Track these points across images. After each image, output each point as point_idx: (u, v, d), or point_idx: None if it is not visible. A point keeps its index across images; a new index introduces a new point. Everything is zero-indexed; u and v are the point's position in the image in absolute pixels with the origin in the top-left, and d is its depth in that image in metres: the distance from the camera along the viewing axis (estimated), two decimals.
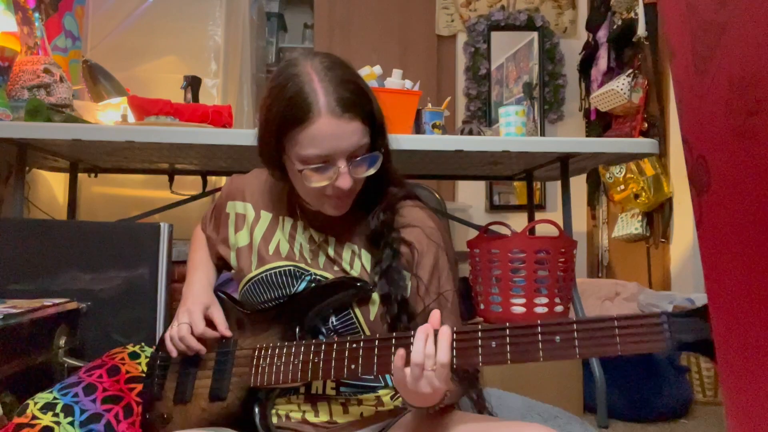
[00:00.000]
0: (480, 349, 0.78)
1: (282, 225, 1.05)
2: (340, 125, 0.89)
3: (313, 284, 0.99)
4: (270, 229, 1.05)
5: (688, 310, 0.71)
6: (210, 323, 1.03)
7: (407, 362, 0.80)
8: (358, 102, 0.91)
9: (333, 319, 0.97)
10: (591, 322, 0.75)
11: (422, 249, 0.99)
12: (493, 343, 0.78)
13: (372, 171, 0.95)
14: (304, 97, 0.88)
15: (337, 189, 0.92)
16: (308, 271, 1.00)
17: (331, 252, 1.01)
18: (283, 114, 0.90)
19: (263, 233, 1.04)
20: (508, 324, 0.79)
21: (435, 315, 0.83)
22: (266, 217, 1.06)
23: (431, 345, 0.79)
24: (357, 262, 1.00)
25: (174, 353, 1.02)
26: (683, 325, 0.71)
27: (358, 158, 0.92)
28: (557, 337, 0.75)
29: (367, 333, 0.97)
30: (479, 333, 0.79)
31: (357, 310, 0.96)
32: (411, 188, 1.08)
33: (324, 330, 0.98)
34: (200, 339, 1.01)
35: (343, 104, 0.89)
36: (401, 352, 0.80)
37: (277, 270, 1.00)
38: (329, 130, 0.88)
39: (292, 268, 1.00)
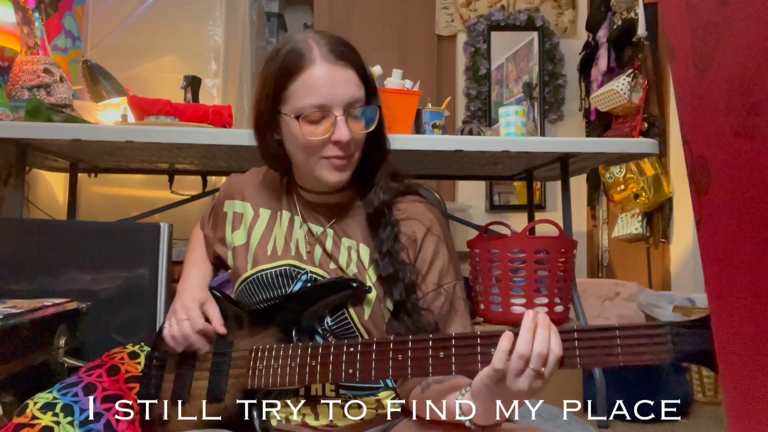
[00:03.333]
0: (479, 356, 0.77)
1: (280, 221, 1.04)
2: (335, 71, 0.91)
3: (309, 284, 0.98)
4: (269, 226, 1.04)
5: (691, 321, 0.70)
6: (205, 319, 1.03)
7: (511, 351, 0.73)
8: (351, 54, 0.94)
9: (328, 319, 0.97)
10: (592, 331, 0.73)
11: (421, 241, 0.99)
12: (493, 350, 0.76)
13: (371, 127, 0.95)
14: (297, 51, 0.92)
15: (337, 143, 0.92)
16: (304, 269, 0.99)
17: (328, 247, 1.00)
18: (278, 70, 0.92)
19: (262, 232, 1.04)
20: (507, 329, 0.77)
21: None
22: (265, 214, 1.06)
23: (544, 339, 0.73)
24: (354, 255, 0.99)
25: (180, 349, 1.02)
26: (687, 336, 0.69)
27: (355, 110, 0.93)
28: None
29: (363, 333, 0.96)
30: (478, 340, 0.78)
31: (351, 310, 0.96)
32: (410, 184, 1.08)
33: (320, 330, 0.97)
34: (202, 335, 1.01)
35: (336, 53, 0.92)
36: (509, 334, 0.74)
37: (272, 270, 1.00)
38: (324, 75, 0.90)
39: (287, 267, 1.00)
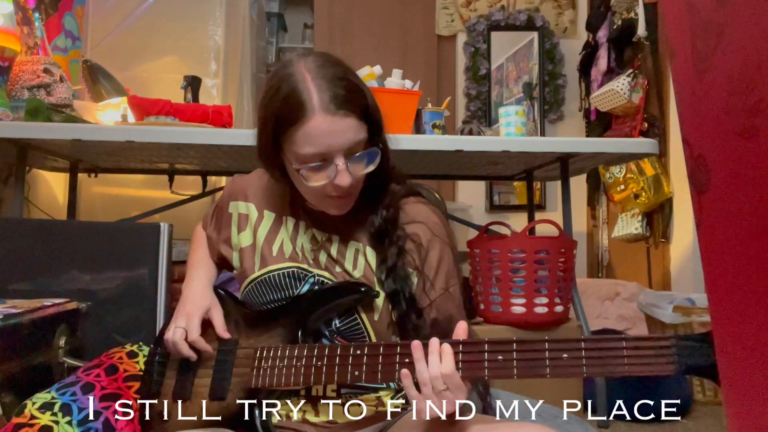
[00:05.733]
0: (486, 362, 0.78)
1: (285, 225, 1.05)
2: (335, 122, 0.88)
3: (317, 287, 0.99)
4: (273, 229, 1.05)
5: (697, 334, 0.71)
6: (209, 325, 1.03)
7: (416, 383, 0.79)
8: (353, 98, 0.90)
9: (336, 321, 0.97)
10: (600, 341, 0.74)
11: (427, 245, 1.00)
12: (500, 356, 0.77)
13: (371, 167, 0.94)
14: (297, 96, 0.88)
15: (337, 187, 0.92)
16: (311, 272, 0.99)
17: (333, 252, 1.01)
18: (278, 114, 0.90)
19: (266, 233, 1.04)
20: (515, 338, 0.79)
21: (462, 327, 0.83)
22: (269, 217, 1.06)
23: (434, 363, 0.78)
24: (361, 260, 0.99)
25: (175, 354, 1.03)
26: (693, 349, 0.71)
27: (356, 155, 0.91)
28: (565, 355, 0.75)
29: (372, 336, 0.97)
30: (485, 346, 0.79)
31: (363, 314, 0.96)
32: (413, 185, 1.08)
33: (327, 333, 0.97)
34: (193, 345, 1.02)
35: (336, 101, 0.88)
36: (405, 371, 0.80)
37: (280, 271, 1.00)
38: (324, 127, 0.88)
39: (295, 269, 1.00)
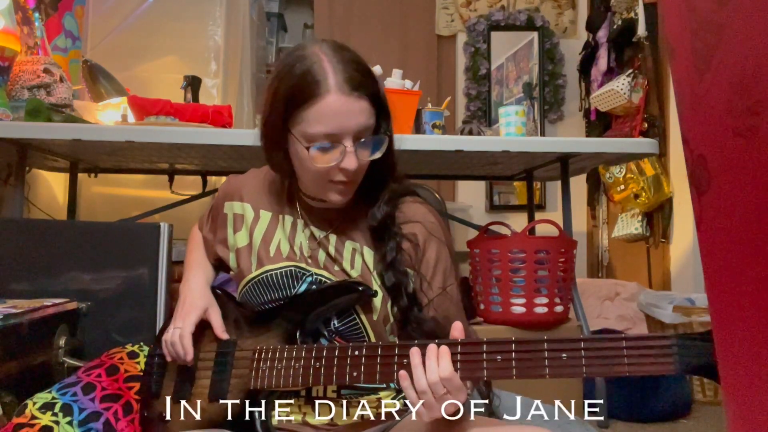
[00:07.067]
0: (485, 362, 0.78)
1: (282, 223, 1.04)
2: (349, 103, 0.89)
3: (314, 286, 0.99)
4: (270, 228, 1.04)
5: (698, 333, 0.71)
6: (208, 325, 1.03)
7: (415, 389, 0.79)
8: (366, 82, 0.92)
9: (335, 321, 0.97)
10: (599, 341, 0.74)
11: (424, 244, 1.00)
12: (499, 357, 0.77)
13: (378, 155, 0.95)
14: (313, 74, 0.89)
15: (343, 171, 0.92)
16: (309, 271, 0.99)
17: (331, 250, 1.00)
18: (291, 91, 0.90)
19: (263, 233, 1.04)
20: (514, 338, 0.78)
21: (457, 327, 0.83)
22: (266, 216, 1.06)
23: (433, 369, 0.78)
24: (358, 259, 0.99)
25: (169, 357, 1.03)
26: (693, 348, 0.70)
27: (364, 139, 0.92)
28: (564, 355, 0.74)
29: (371, 336, 0.97)
30: (484, 346, 0.78)
31: (361, 314, 0.96)
32: (410, 185, 1.08)
33: (326, 332, 0.97)
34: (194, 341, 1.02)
35: (352, 83, 0.89)
36: (402, 373, 0.80)
37: (277, 271, 1.00)
38: (338, 106, 0.89)
39: (292, 268, 1.00)
